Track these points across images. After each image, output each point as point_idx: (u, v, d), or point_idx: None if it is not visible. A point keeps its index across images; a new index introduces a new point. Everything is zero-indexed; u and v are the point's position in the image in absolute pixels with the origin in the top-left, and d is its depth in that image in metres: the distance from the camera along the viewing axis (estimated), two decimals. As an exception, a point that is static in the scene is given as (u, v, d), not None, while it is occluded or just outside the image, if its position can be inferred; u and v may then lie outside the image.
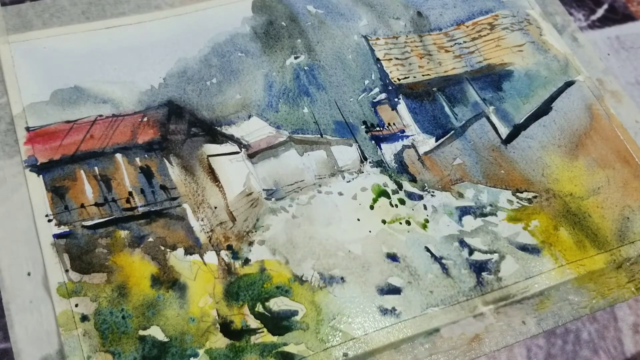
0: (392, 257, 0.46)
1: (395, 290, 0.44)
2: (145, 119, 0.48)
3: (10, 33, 0.50)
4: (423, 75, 0.55)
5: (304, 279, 0.44)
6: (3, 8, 0.51)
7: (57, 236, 0.42)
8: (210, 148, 0.48)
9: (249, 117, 0.50)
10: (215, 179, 0.47)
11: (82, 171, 0.45)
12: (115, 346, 0.39)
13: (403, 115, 0.53)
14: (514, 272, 0.46)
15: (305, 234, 0.46)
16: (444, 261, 0.46)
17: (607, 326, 0.47)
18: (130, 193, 0.45)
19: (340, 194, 0.48)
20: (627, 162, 0.53)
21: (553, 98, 0.55)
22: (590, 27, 0.62)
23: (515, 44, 0.58)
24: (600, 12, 0.64)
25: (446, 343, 0.43)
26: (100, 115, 0.47)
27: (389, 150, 0.51)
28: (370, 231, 0.46)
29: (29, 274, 0.41)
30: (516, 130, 0.53)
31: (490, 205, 0.49)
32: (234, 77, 0.52)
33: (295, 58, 0.53)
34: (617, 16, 0.64)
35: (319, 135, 0.50)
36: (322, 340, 0.42)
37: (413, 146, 0.51)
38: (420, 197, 0.49)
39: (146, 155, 0.46)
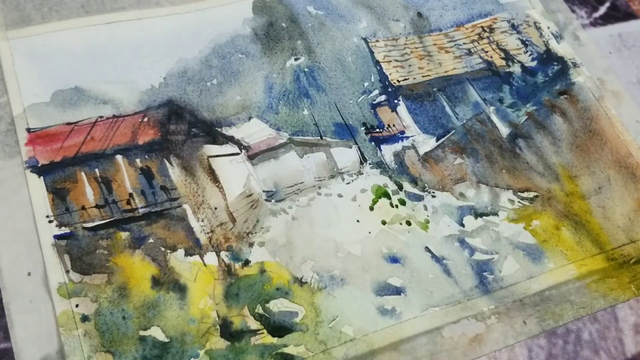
0: (392, 258, 0.46)
1: (395, 291, 0.44)
2: (145, 119, 0.48)
3: (10, 28, 0.49)
4: (423, 77, 0.55)
5: (303, 280, 0.44)
6: (2, 1, 0.50)
7: (57, 237, 0.42)
8: (211, 149, 0.48)
9: (249, 118, 0.50)
10: (215, 179, 0.47)
11: (82, 173, 0.45)
12: (115, 346, 0.39)
13: (403, 116, 0.53)
14: (515, 272, 0.47)
15: (305, 235, 0.46)
16: (444, 261, 0.46)
17: (608, 326, 0.47)
18: (130, 194, 0.45)
19: (340, 195, 0.48)
20: (628, 162, 0.53)
21: (553, 98, 0.55)
22: (592, 25, 0.62)
23: (515, 46, 0.58)
24: (602, 9, 0.63)
25: (447, 343, 0.43)
26: (101, 117, 0.47)
27: (388, 152, 0.51)
28: (369, 232, 0.46)
29: (29, 274, 0.41)
30: (517, 130, 0.53)
31: (491, 205, 0.49)
32: (235, 78, 0.51)
33: (296, 59, 0.53)
34: (619, 14, 0.63)
35: (318, 137, 0.50)
36: (321, 341, 0.42)
37: (413, 147, 0.51)
38: (421, 198, 0.49)
39: (146, 156, 0.46)
